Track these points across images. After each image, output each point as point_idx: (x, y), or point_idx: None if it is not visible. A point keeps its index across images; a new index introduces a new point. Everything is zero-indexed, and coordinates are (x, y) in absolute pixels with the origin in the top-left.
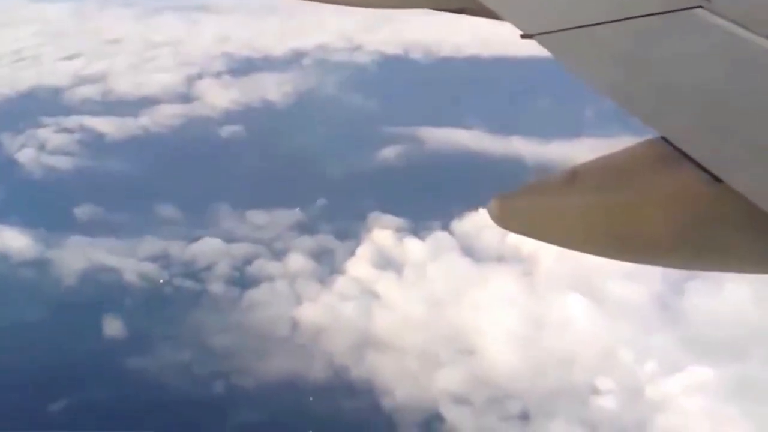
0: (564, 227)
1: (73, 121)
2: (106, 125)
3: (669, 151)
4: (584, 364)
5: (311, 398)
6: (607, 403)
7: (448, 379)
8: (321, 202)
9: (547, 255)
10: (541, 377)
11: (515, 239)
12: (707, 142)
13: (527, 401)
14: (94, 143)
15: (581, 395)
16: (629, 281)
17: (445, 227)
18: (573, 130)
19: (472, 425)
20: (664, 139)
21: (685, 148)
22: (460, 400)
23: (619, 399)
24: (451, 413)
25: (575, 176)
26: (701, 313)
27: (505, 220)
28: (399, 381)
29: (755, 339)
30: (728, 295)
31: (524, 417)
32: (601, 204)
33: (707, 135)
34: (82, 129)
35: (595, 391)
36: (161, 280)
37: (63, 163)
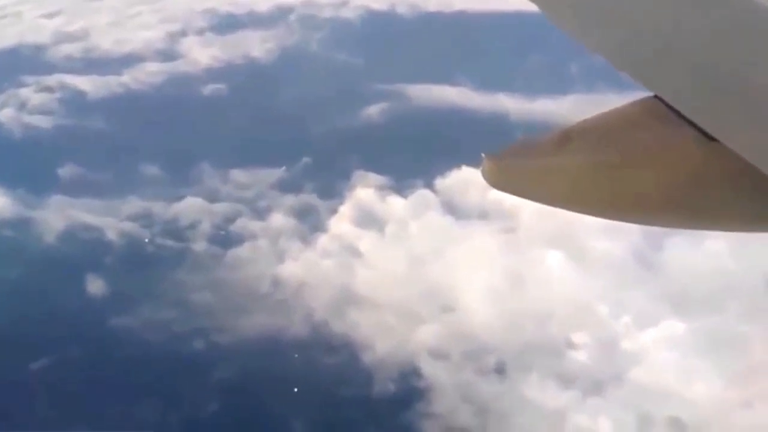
0: (557, 187)
1: (54, 79)
2: (88, 83)
3: (662, 110)
4: (561, 319)
5: (296, 355)
6: (581, 357)
7: (426, 335)
8: (305, 160)
9: (529, 212)
10: (518, 332)
11: (497, 197)
12: (701, 100)
13: (504, 355)
14: (75, 102)
15: (557, 349)
16: (609, 237)
17: (429, 185)
18: (560, 87)
19: (448, 379)
20: (657, 97)
21: (678, 107)
22: (438, 354)
23: (594, 353)
24: (428, 368)
25: (569, 135)
26: (679, 268)
27: (497, 180)
28: (378, 337)
29: (731, 293)
30: (707, 250)
31: (500, 371)
32: (594, 163)
33: (701, 93)
34: (63, 87)
35: (571, 346)
36: (146, 239)
37: (43, 122)
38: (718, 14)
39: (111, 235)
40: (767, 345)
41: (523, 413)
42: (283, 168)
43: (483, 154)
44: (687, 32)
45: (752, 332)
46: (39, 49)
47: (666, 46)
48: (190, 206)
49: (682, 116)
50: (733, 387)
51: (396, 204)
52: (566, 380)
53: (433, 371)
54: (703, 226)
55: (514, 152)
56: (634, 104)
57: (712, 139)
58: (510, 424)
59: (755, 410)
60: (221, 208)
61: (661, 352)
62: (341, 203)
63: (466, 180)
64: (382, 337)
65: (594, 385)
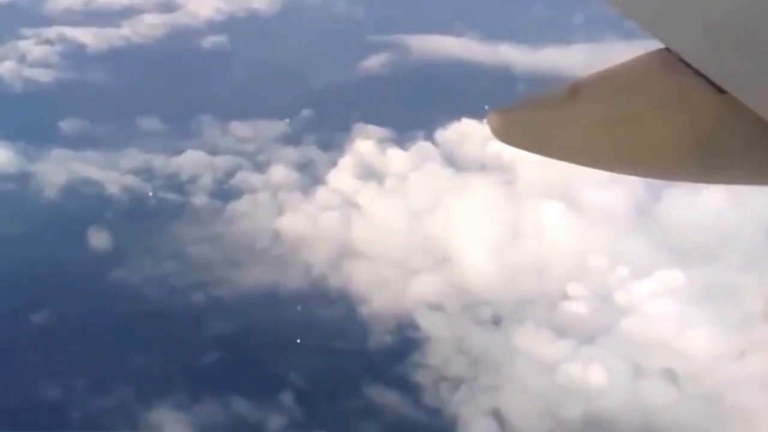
0: (566, 141)
1: (54, 31)
2: (88, 36)
3: (672, 63)
4: (557, 271)
5: (298, 307)
6: (576, 308)
7: (424, 287)
8: (306, 112)
9: (528, 164)
10: (516, 284)
11: (497, 149)
12: (712, 53)
13: (500, 307)
14: (76, 54)
15: (552, 301)
16: (608, 188)
17: (429, 137)
18: (564, 37)
19: (445, 330)
20: (667, 50)
21: (688, 60)
22: (435, 306)
23: (589, 304)
24: (425, 319)
25: (578, 89)
26: (678, 219)
27: (504, 134)
28: (376, 289)
29: (727, 244)
30: (706, 201)
31: (496, 322)
32: (604, 117)
33: (712, 45)
34: (63, 40)
35: (566, 297)
36: (150, 193)
37: (44, 75)
38: None
39: (112, 188)
40: (762, 295)
41: (516, 363)
42: (288, 120)
43: (489, 108)
44: None
45: (748, 282)
46: (38, 1)
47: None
48: (190, 159)
49: (692, 69)
50: (727, 337)
51: (396, 156)
52: (561, 331)
53: (429, 323)
54: (713, 179)
55: (522, 106)
56: (643, 57)
57: (722, 91)
58: (503, 374)
59: (747, 360)
60: (222, 161)
61: (657, 303)
62: (341, 156)
63: (467, 132)
64: (380, 289)
65: (588, 336)
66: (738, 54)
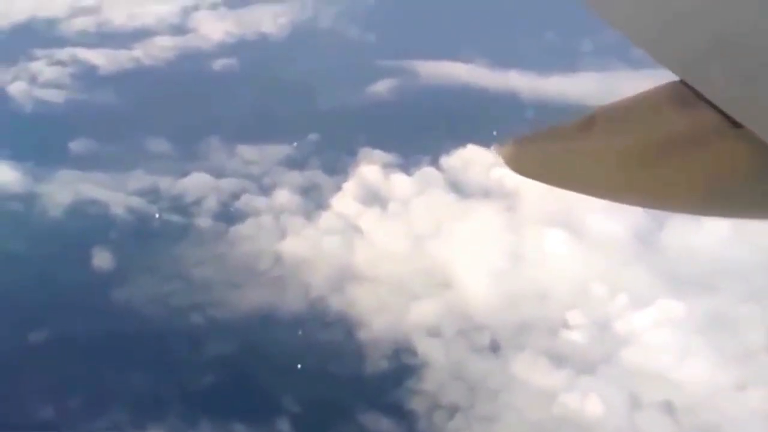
0: (580, 172)
1: (66, 53)
2: (100, 57)
3: (687, 95)
4: (558, 298)
5: (300, 332)
6: (575, 336)
7: (424, 312)
8: (313, 136)
9: (532, 191)
10: (515, 310)
11: (501, 175)
12: (727, 85)
13: (499, 333)
14: (87, 76)
15: (552, 328)
16: (611, 216)
17: (434, 162)
18: (572, 65)
19: (442, 356)
20: (682, 82)
21: (703, 92)
22: (434, 332)
23: (588, 332)
24: (423, 345)
25: (593, 120)
26: (679, 248)
27: (518, 165)
28: (376, 313)
29: (728, 274)
30: (708, 231)
31: (495, 349)
32: (618, 149)
33: (725, 78)
34: (75, 61)
35: (566, 325)
36: (155, 215)
37: (54, 96)
38: None
39: (117, 209)
40: (763, 327)
41: (513, 392)
42: (295, 144)
43: (502, 138)
44: (715, 14)
45: (749, 314)
46: (52, 22)
47: (692, 29)
48: (196, 182)
49: (707, 101)
50: (726, 369)
51: (400, 181)
52: (559, 359)
53: (427, 349)
54: (728, 214)
55: (536, 136)
56: (658, 88)
57: (737, 125)
58: (499, 402)
59: (747, 393)
60: (227, 183)
61: (657, 333)
62: (346, 180)
63: (472, 158)
64: (380, 314)
65: (587, 365)
66: (753, 87)
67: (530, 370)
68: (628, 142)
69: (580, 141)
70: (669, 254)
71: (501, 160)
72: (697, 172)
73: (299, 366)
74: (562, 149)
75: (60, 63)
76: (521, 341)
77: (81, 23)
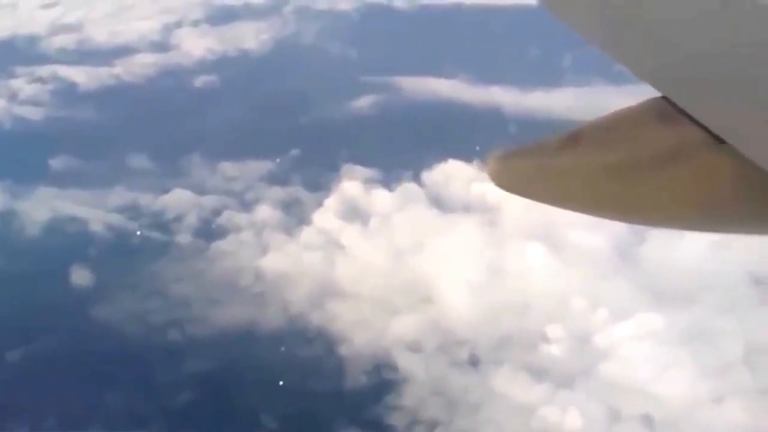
0: (565, 188)
1: (47, 70)
2: (80, 75)
3: (671, 111)
4: (538, 312)
5: (282, 348)
6: (555, 350)
7: (404, 327)
8: (294, 152)
9: (513, 205)
10: (495, 325)
11: (482, 190)
12: (710, 102)
13: (478, 348)
14: (67, 93)
15: (531, 342)
16: (592, 230)
17: (416, 178)
18: (554, 80)
19: (422, 371)
20: (665, 98)
21: (686, 109)
22: (414, 347)
23: (568, 346)
24: (404, 360)
25: (578, 135)
26: (660, 262)
27: (504, 180)
28: (356, 329)
29: (708, 287)
30: (688, 245)
31: (474, 363)
32: (603, 165)
33: (707, 94)
34: (56, 79)
35: (545, 339)
36: (132, 231)
37: (34, 113)
38: (731, 13)
39: (96, 227)
40: (742, 340)
41: (493, 406)
42: (278, 160)
43: (487, 154)
44: (698, 31)
45: (728, 327)
46: (33, 40)
47: (673, 45)
48: (177, 198)
49: (691, 117)
50: (705, 382)
51: (382, 197)
52: (538, 373)
53: (407, 364)
54: (712, 229)
55: (521, 152)
56: (642, 104)
57: (722, 141)
58: (478, 417)
59: (726, 406)
60: (208, 200)
61: (636, 346)
62: (327, 196)
63: (453, 173)
64: (360, 329)
65: (566, 379)
66: (735, 103)
67: (510, 385)
68: (613, 157)
69: (565, 157)
70: (649, 268)
71: (486, 176)
72: (682, 188)
73: (281, 383)
74: (546, 165)
75: (40, 80)
76: (501, 355)
77: (62, 41)
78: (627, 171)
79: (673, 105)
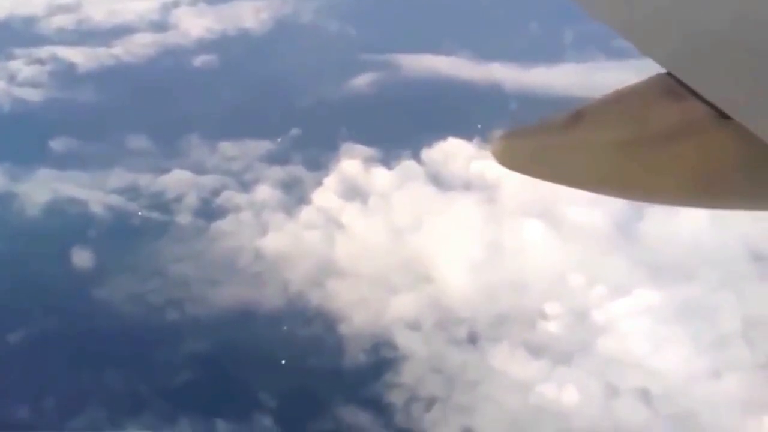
0: (570, 167)
1: (45, 51)
2: (78, 55)
3: (675, 87)
4: (536, 289)
5: (284, 327)
6: (553, 327)
7: (403, 305)
8: (294, 131)
9: (512, 182)
10: (494, 302)
11: (481, 167)
12: (712, 77)
13: (477, 325)
14: (66, 74)
15: (530, 319)
16: (591, 207)
17: (415, 156)
18: (555, 56)
19: (421, 349)
20: (670, 74)
21: (691, 85)
22: (413, 325)
23: (565, 323)
24: (403, 338)
25: (582, 114)
26: (658, 237)
27: (508, 160)
28: (356, 308)
29: (706, 262)
30: (687, 220)
31: (473, 340)
32: (608, 142)
33: (712, 69)
34: (54, 59)
35: (543, 316)
36: (135, 212)
37: (33, 95)
38: None
39: (96, 208)
40: (740, 315)
41: (491, 383)
42: (279, 140)
43: (488, 131)
44: (703, 8)
45: (726, 302)
46: (31, 21)
47: (680, 22)
48: (177, 179)
49: (696, 94)
50: (703, 357)
51: (381, 175)
52: (536, 350)
53: (406, 342)
54: (718, 205)
55: (525, 131)
56: (646, 81)
57: (726, 117)
58: (477, 394)
59: (722, 380)
60: (208, 180)
61: (634, 322)
62: (327, 175)
63: (452, 151)
64: (359, 308)
65: (564, 355)
66: (741, 79)
67: (508, 361)
68: (618, 135)
69: (570, 135)
70: (648, 244)
71: (488, 154)
72: (687, 165)
73: (278, 361)
74: (551, 143)
75: (39, 61)
76: (499, 333)
77: (60, 21)
78: (633, 148)
79: (678, 81)
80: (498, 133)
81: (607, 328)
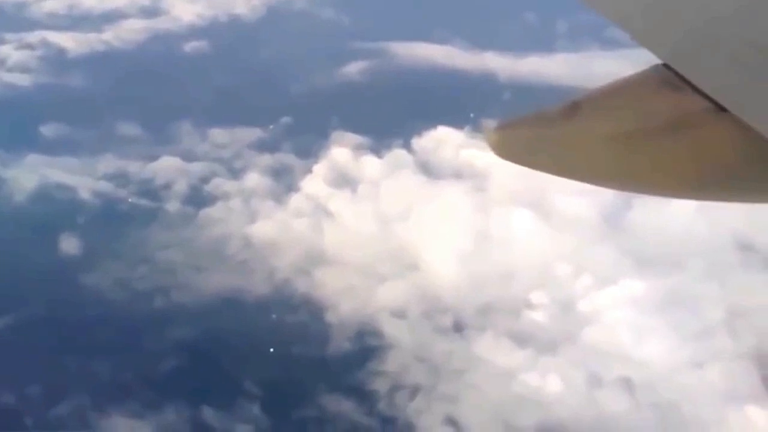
0: (566, 158)
1: (35, 36)
2: (69, 41)
3: (672, 79)
4: (523, 278)
5: (273, 316)
6: (538, 316)
7: (390, 294)
8: (285, 119)
9: (501, 172)
10: (480, 291)
11: (471, 156)
12: (709, 69)
13: (463, 314)
14: (56, 59)
15: (515, 309)
16: (581, 197)
17: (406, 144)
18: (548, 46)
19: (407, 338)
20: (666, 66)
21: (688, 77)
22: (399, 314)
23: (551, 313)
24: (389, 327)
25: (578, 105)
26: (646, 228)
27: (504, 150)
28: (343, 296)
29: (694, 253)
30: (675, 211)
31: (459, 329)
32: (603, 134)
33: (709, 61)
34: (45, 44)
35: (529, 305)
36: (123, 199)
37: (22, 80)
38: None
39: (84, 194)
40: (724, 305)
41: (475, 371)
42: (271, 127)
43: (481, 120)
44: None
45: (710, 292)
46: (22, 5)
47: (678, 14)
48: (166, 166)
49: (693, 86)
50: (686, 347)
51: (371, 163)
52: (521, 339)
53: (392, 330)
54: (714, 197)
55: (521, 121)
56: (644, 72)
57: (723, 109)
58: (461, 382)
59: (705, 370)
60: (197, 167)
61: (618, 312)
62: (317, 163)
63: (443, 139)
64: (346, 296)
65: (548, 345)
66: (738, 72)
67: (493, 350)
68: (614, 126)
69: (567, 126)
70: (636, 234)
71: (481, 144)
72: (683, 157)
73: (264, 349)
74: (548, 135)
75: (29, 46)
76: (485, 322)
77: (51, 6)
78: (630, 140)
79: (676, 73)
80: (494, 123)
81: (592, 318)
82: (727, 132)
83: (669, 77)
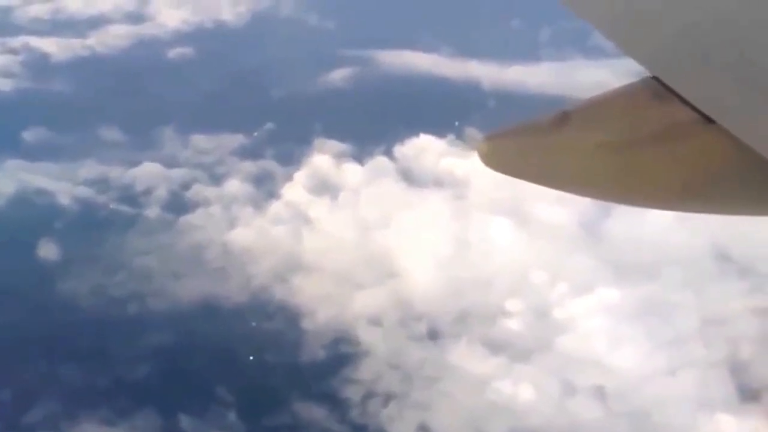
0: (556, 169)
1: (19, 41)
2: (52, 46)
3: (661, 91)
4: (499, 286)
5: (253, 323)
6: (513, 324)
7: (368, 301)
8: (269, 126)
9: (482, 180)
10: (456, 298)
11: (452, 164)
12: (699, 82)
13: (439, 322)
14: (38, 64)
15: (491, 316)
16: (559, 205)
17: (387, 152)
18: (533, 55)
19: (382, 345)
20: (655, 78)
21: (676, 89)
22: (376, 321)
23: (526, 320)
24: (365, 334)
25: (568, 116)
26: (624, 236)
27: (494, 161)
28: (320, 303)
29: (671, 261)
30: (653, 219)
31: (433, 337)
32: (593, 145)
33: (696, 73)
34: (28, 49)
35: (504, 313)
36: (102, 205)
37: (5, 84)
38: None
39: (64, 200)
40: (698, 314)
41: (449, 379)
42: (255, 134)
43: (466, 128)
44: (688, 12)
45: (685, 301)
46: (6, 10)
47: (665, 26)
48: (147, 171)
49: (681, 97)
50: (659, 355)
51: (352, 171)
52: (496, 347)
53: (368, 338)
54: (701, 209)
55: (511, 132)
56: (632, 84)
57: (711, 120)
58: (434, 390)
59: (678, 378)
60: (178, 173)
61: (593, 320)
62: (299, 170)
63: (424, 147)
64: (323, 303)
65: (523, 353)
66: (725, 84)
67: (467, 358)
68: (603, 138)
69: (556, 137)
70: (613, 242)
71: (477, 156)
72: (672, 168)
73: (237, 356)
74: (537, 145)
75: (12, 51)
76: (460, 329)
77: (35, 11)
78: (620, 150)
79: (664, 85)
80: (484, 134)
81: (567, 326)
82: (715, 143)
83: (658, 89)
